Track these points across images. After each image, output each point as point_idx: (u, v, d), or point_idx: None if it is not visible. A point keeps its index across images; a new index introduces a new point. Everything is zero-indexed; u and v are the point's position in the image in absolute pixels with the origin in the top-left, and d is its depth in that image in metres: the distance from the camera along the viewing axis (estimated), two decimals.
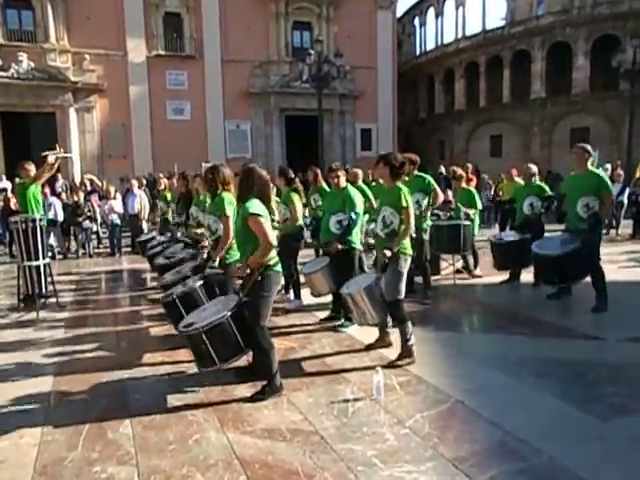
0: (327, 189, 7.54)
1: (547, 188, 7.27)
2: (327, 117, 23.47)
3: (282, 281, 4.24)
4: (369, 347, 5.01)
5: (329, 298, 6.03)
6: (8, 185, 16.81)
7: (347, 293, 4.75)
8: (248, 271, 3.86)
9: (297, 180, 6.75)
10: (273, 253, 3.98)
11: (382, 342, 5.01)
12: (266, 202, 4.01)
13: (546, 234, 6.97)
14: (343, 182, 5.73)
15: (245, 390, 4.15)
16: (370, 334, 5.15)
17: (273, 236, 3.87)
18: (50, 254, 9.97)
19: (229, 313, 3.89)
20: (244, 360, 4.38)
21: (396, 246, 4.49)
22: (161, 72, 21.99)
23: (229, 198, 4.76)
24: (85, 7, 20.48)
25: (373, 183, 9.00)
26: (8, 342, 5.64)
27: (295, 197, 6.50)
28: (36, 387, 4.38)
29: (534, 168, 7.37)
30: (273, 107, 23.74)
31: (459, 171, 8.28)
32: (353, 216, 5.50)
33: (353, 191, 5.73)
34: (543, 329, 5.46)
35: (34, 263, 6.76)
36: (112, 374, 4.60)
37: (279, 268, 4.03)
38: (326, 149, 21.76)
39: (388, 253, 4.47)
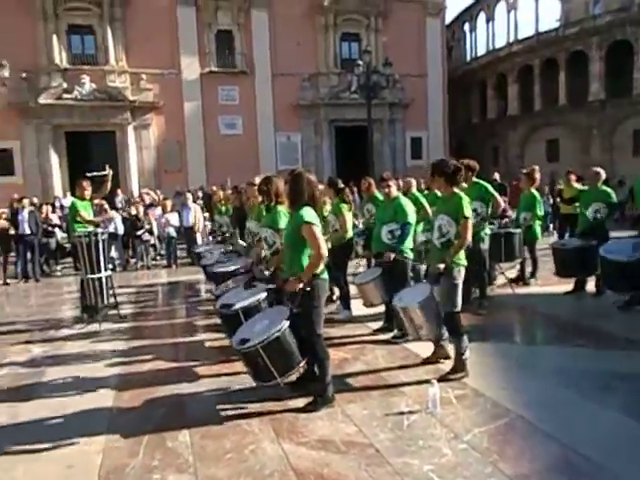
0: (381, 198, 7.54)
1: (613, 194, 6.95)
2: (377, 126, 23.42)
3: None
4: (425, 361, 4.93)
5: (381, 309, 5.99)
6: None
7: (401, 307, 4.68)
8: (301, 285, 3.87)
9: (346, 190, 6.78)
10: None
11: (438, 355, 4.92)
12: (317, 208, 4.02)
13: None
14: (394, 192, 5.71)
15: (299, 401, 4.18)
16: (426, 346, 5.08)
17: (325, 247, 3.89)
18: (111, 266, 10.41)
19: (286, 325, 3.91)
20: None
21: (450, 258, 4.40)
22: (214, 88, 22.62)
23: (284, 211, 4.81)
24: (142, 28, 21.37)
25: (426, 192, 8.90)
26: (73, 353, 5.91)
27: (344, 208, 6.52)
28: (99, 397, 4.55)
29: (602, 173, 7.04)
30: (323, 118, 23.93)
31: (533, 173, 7.86)
32: (406, 226, 5.47)
33: (404, 200, 5.70)
34: (607, 341, 5.22)
35: (97, 275, 7.07)
36: (170, 385, 4.73)
37: (326, 276, 4.05)
38: (376, 159, 21.72)
39: (442, 267, 4.38)
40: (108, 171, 7.46)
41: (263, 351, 3.83)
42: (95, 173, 7.46)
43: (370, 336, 5.85)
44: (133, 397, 4.51)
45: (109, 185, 7.60)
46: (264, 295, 4.87)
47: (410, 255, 5.61)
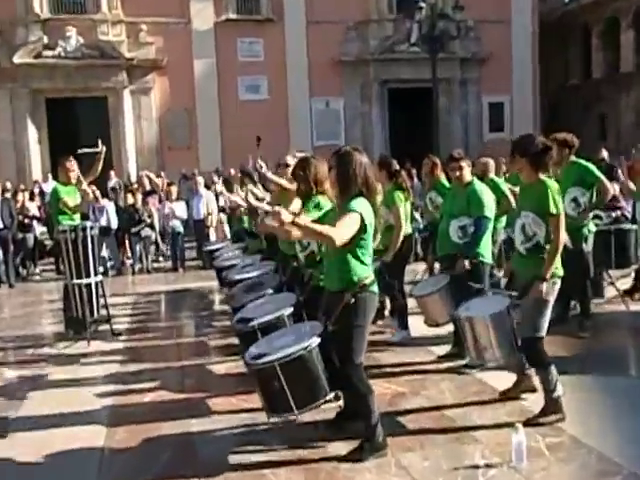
0: (447, 185, 7.49)
1: None
2: (444, 89, 23.25)
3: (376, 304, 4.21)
4: (505, 395, 4.88)
5: (449, 329, 5.96)
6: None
7: (466, 317, 4.66)
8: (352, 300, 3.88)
9: (403, 174, 6.76)
10: (368, 270, 3.99)
11: (522, 387, 4.86)
12: (372, 201, 3.96)
13: None
14: (468, 175, 5.67)
15: (341, 446, 4.19)
16: (506, 378, 5.02)
17: (340, 237, 3.74)
18: (102, 269, 10.67)
19: (315, 343, 3.93)
20: (330, 407, 4.42)
21: (547, 271, 4.28)
22: (232, 41, 22.88)
23: (326, 203, 4.76)
24: None
25: (505, 175, 8.80)
26: (55, 379, 6.07)
27: (400, 196, 6.50)
28: (87, 435, 4.66)
29: None
30: (372, 79, 23.90)
31: None
32: (482, 220, 5.42)
33: (480, 187, 5.66)
34: None
35: (84, 281, 7.25)
36: (175, 421, 4.81)
37: (376, 288, 4.03)
38: (443, 132, 21.57)
39: (543, 288, 4.22)
40: (101, 147, 7.64)
41: (281, 371, 3.87)
42: (86, 150, 7.65)
43: (434, 364, 5.83)
44: (129, 436, 4.60)
45: (100, 166, 7.80)
46: (289, 310, 4.91)
47: (488, 259, 5.55)
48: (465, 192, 5.61)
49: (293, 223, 3.61)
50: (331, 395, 4.00)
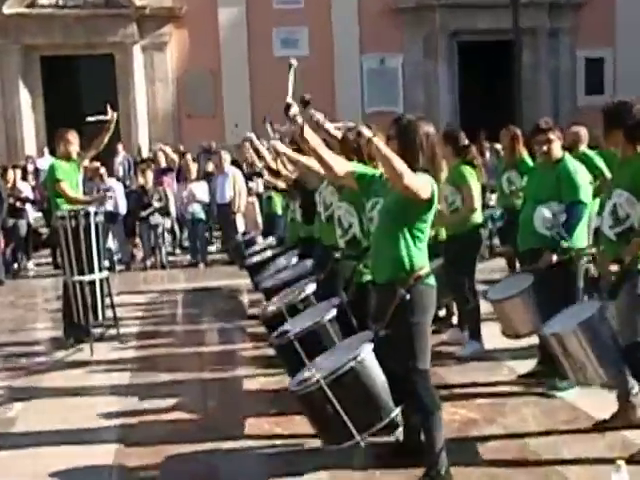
0: (530, 162, 7.40)
1: None
2: (528, 42, 22.90)
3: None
4: (602, 425, 4.83)
5: (532, 341, 5.91)
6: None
7: (551, 333, 4.62)
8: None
9: (473, 149, 6.73)
10: (424, 259, 4.03)
11: (624, 418, 4.80)
12: (437, 178, 4.03)
13: None
14: (558, 150, 5.60)
15: (395, 478, 4.21)
16: (604, 403, 4.96)
17: (412, 180, 3.80)
18: (108, 264, 10.86)
19: (367, 351, 3.96)
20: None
21: (629, 255, 4.30)
22: None
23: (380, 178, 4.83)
24: None
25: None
26: (54, 391, 6.22)
27: (470, 174, 6.49)
28: (92, 460, 4.76)
29: None
30: (438, 29, 23.72)
31: None
32: (576, 206, 5.36)
33: (574, 165, 5.58)
34: None
35: (87, 277, 7.39)
36: (197, 445, 4.88)
37: (433, 281, 4.08)
38: (526, 96, 21.22)
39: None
40: (111, 115, 7.78)
41: (331, 391, 3.90)
42: (95, 117, 7.77)
43: (514, 385, 5.79)
44: (142, 461, 4.70)
45: (107, 137, 7.93)
46: (332, 314, 4.92)
47: (584, 255, 5.48)
48: (555, 171, 5.54)
49: (369, 141, 3.80)
50: (397, 411, 4.02)
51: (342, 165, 4.34)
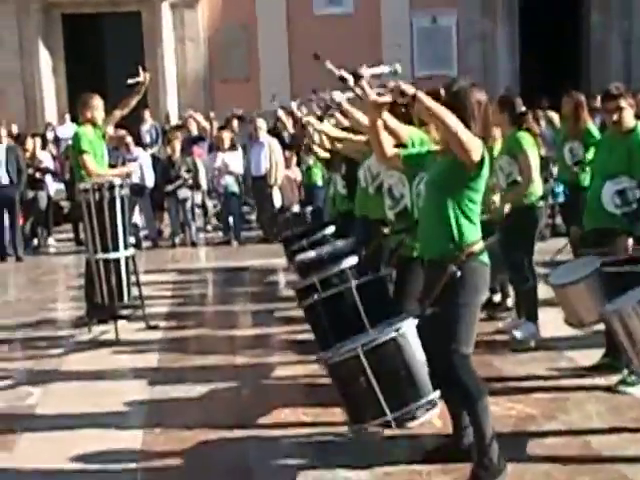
0: (596, 134, 7.31)
1: None
2: (596, 3, 22.52)
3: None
4: None
5: (598, 330, 5.85)
6: (72, 131, 18.61)
7: (613, 310, 4.57)
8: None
9: (530, 117, 6.71)
10: (478, 233, 4.04)
11: None
12: (489, 147, 4.11)
13: None
14: (630, 119, 5.52)
15: (440, 473, 4.23)
16: None
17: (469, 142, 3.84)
18: (134, 241, 10.97)
19: (411, 326, 4.01)
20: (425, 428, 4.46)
21: None
22: None
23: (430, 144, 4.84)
24: None
25: None
26: (77, 375, 6.35)
27: (529, 143, 6.46)
28: (118, 444, 4.87)
29: None
30: None
31: None
32: None
33: None
34: None
35: (111, 255, 7.46)
36: (226, 433, 4.96)
37: (487, 259, 4.08)
38: (594, 60, 20.97)
39: None
40: (144, 76, 7.86)
41: (367, 361, 3.93)
42: (136, 79, 7.80)
43: (576, 378, 5.75)
44: (170, 448, 4.79)
45: (136, 101, 8.01)
46: (352, 262, 5.11)
47: None
48: (626, 142, 5.47)
49: (414, 98, 3.79)
50: (435, 394, 4.05)
51: (390, 146, 4.39)
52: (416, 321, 4.05)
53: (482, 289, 4.09)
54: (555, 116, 11.72)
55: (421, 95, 3.79)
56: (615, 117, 5.55)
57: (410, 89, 3.80)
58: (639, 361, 4.56)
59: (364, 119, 5.14)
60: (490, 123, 4.10)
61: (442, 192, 4.01)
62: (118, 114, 8.01)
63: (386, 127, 4.38)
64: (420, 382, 3.99)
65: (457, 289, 3.95)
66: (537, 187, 6.59)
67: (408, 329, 4.01)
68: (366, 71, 4.95)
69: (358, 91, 4.59)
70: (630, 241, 5.32)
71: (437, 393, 4.06)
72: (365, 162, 6.03)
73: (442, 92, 4.23)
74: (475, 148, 3.85)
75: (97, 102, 7.79)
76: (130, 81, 7.86)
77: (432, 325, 4.02)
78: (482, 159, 3.91)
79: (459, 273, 3.92)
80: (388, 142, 4.37)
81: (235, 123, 15.69)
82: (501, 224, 6.50)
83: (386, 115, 4.34)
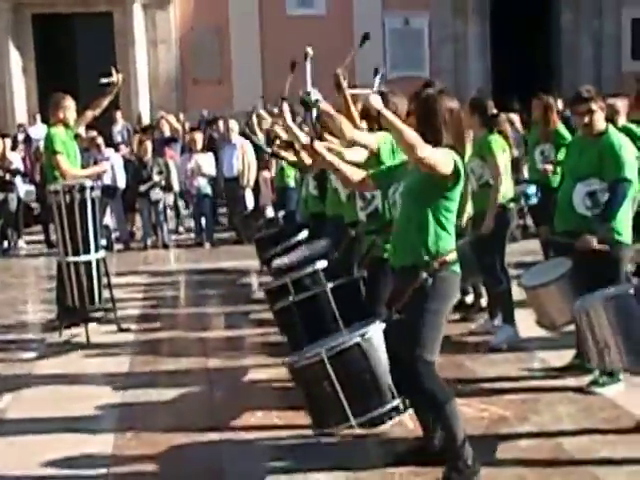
0: (566, 135, 7.38)
1: None
2: (568, 1, 22.71)
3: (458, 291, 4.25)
4: None
5: (569, 331, 5.88)
6: (43, 132, 18.50)
7: (579, 307, 4.61)
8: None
9: (502, 119, 6.74)
10: (452, 242, 4.04)
11: None
12: (462, 155, 4.06)
13: None
14: (601, 122, 5.56)
15: (412, 475, 4.22)
16: None
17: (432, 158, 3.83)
18: (106, 243, 10.91)
19: (377, 330, 4.00)
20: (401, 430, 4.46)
21: None
22: None
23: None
24: None
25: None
26: (46, 379, 6.28)
27: (498, 147, 6.50)
28: (89, 448, 4.83)
29: None
30: None
31: None
32: (620, 185, 5.32)
33: (619, 139, 5.54)
34: None
35: (82, 258, 7.39)
36: (199, 436, 4.94)
37: (458, 269, 4.09)
38: (565, 60, 21.13)
39: None
40: (117, 77, 7.80)
41: (332, 366, 3.93)
42: (108, 79, 7.76)
43: (548, 379, 5.79)
44: (141, 452, 4.76)
45: (108, 101, 7.95)
46: (324, 264, 5.15)
47: (627, 239, 5.45)
48: (596, 145, 5.49)
49: (378, 113, 3.86)
50: (398, 401, 4.03)
51: (357, 172, 4.36)
52: (383, 325, 4.04)
53: (451, 298, 4.10)
54: (516, 118, 11.91)
55: (385, 113, 3.83)
56: (586, 120, 5.57)
57: (376, 105, 3.85)
58: (596, 355, 4.60)
59: (344, 122, 5.16)
60: (462, 131, 4.08)
61: (418, 202, 4.01)
62: (90, 115, 7.94)
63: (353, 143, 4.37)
64: (384, 388, 3.98)
65: (426, 296, 3.96)
66: (508, 189, 6.64)
67: (374, 334, 4.00)
68: (309, 87, 5.03)
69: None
70: (595, 240, 5.35)
71: (400, 400, 4.04)
72: None
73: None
74: (443, 162, 3.85)
75: (69, 103, 7.72)
76: (103, 80, 7.81)
77: (398, 330, 4.02)
78: (456, 169, 3.91)
79: (430, 281, 3.93)
80: (350, 170, 4.34)
81: (221, 124, 15.52)
82: (473, 226, 6.54)
83: (351, 131, 4.48)
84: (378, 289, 4.93)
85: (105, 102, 7.92)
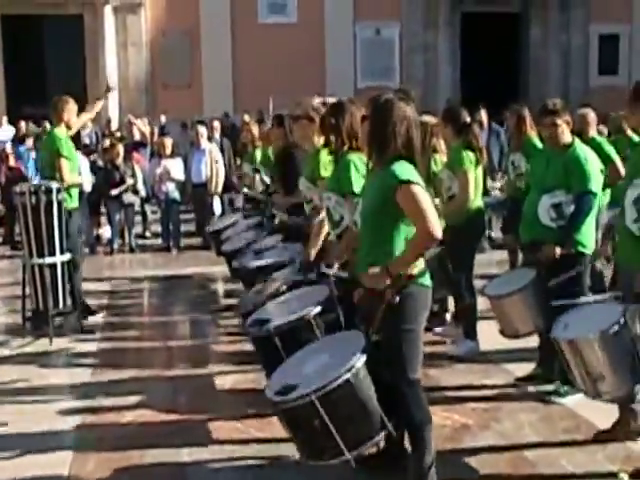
0: (538, 145, 7.45)
1: None
2: (537, 15, 22.91)
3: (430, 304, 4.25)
4: (603, 435, 4.87)
5: (532, 341, 5.95)
6: (9, 134, 18.32)
7: (567, 340, 4.62)
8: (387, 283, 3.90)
9: (475, 129, 6.79)
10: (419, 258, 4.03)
11: (626, 427, 4.84)
12: (419, 165, 4.05)
13: None
14: (566, 135, 5.61)
15: None
16: (606, 411, 4.98)
17: (437, 221, 3.90)
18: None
19: (361, 362, 3.90)
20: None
21: None
22: None
23: (359, 163, 4.88)
24: None
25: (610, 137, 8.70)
26: (7, 388, 6.20)
27: (469, 158, 6.53)
28: (45, 470, 4.72)
29: None
30: None
31: None
32: (585, 197, 5.38)
33: (584, 151, 5.60)
34: None
35: (47, 260, 7.37)
36: (162, 451, 4.89)
37: (428, 281, 4.09)
38: (533, 73, 21.33)
39: None
40: (110, 85, 8.21)
41: (322, 406, 3.84)
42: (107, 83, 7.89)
43: (510, 388, 5.84)
44: (102, 466, 4.70)
45: (98, 109, 8.21)
46: (317, 310, 4.91)
47: (589, 250, 5.52)
48: (562, 158, 5.54)
49: (389, 274, 3.84)
50: (389, 426, 3.99)
51: (431, 224, 3.94)
52: (365, 356, 3.92)
53: (423, 312, 4.07)
54: (484, 118, 12.07)
55: (392, 270, 3.86)
56: (552, 131, 5.63)
57: (374, 281, 3.91)
58: (586, 384, 4.52)
59: None
60: (413, 139, 4.02)
61: (377, 216, 4.01)
62: (85, 118, 8.05)
63: None
64: (376, 417, 3.93)
65: (397, 316, 3.94)
66: (478, 202, 6.67)
67: (360, 365, 3.88)
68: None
69: None
70: (557, 250, 5.40)
71: (391, 425, 3.98)
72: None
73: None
74: (428, 202, 3.92)
75: (73, 106, 7.79)
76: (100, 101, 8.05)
77: (378, 352, 3.99)
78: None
79: (398, 299, 3.91)
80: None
81: (216, 124, 15.37)
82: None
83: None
84: (355, 310, 4.87)
85: (99, 106, 8.15)
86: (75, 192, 7.88)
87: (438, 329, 7.11)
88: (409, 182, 3.88)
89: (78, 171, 8.10)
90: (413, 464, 4.07)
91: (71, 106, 7.74)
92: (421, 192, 3.90)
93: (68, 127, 7.74)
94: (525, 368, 6.05)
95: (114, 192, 12.65)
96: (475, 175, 6.60)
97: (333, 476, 4.41)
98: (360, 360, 3.91)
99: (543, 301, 5.45)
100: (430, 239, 3.87)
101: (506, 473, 4.48)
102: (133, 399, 5.82)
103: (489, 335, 6.38)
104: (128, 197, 12.82)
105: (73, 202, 7.79)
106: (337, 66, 23.20)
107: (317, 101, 6.47)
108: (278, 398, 3.98)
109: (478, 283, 6.93)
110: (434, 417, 4.15)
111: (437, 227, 3.86)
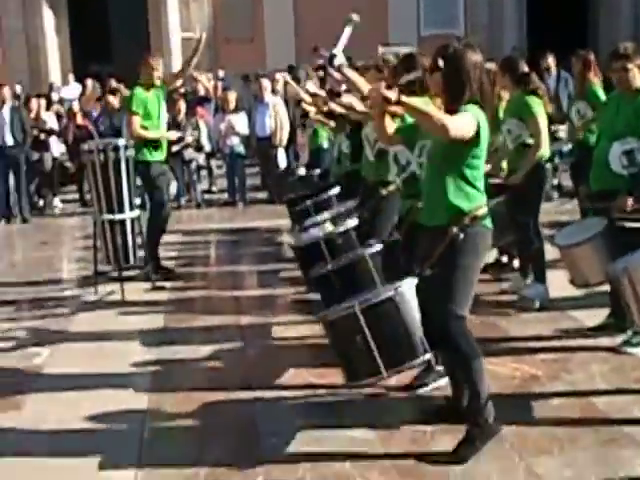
0: (599, 94, 7.30)
1: None
2: None
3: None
4: None
5: (604, 290, 5.86)
6: (76, 92, 18.49)
7: (620, 269, 4.56)
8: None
9: (534, 78, 6.68)
10: (482, 198, 4.07)
11: None
12: (487, 112, 4.07)
13: None
14: (638, 80, 5.47)
15: (442, 433, 4.26)
16: None
17: (457, 130, 3.84)
18: (140, 202, 10.96)
19: (410, 285, 4.04)
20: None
21: None
22: None
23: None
24: None
25: None
26: (84, 334, 6.42)
27: (537, 107, 6.45)
28: (125, 405, 4.94)
29: None
30: None
31: None
32: None
33: None
34: None
35: (117, 216, 7.52)
36: (233, 394, 5.03)
37: (490, 223, 4.11)
38: (603, 14, 20.71)
39: None
40: (200, 33, 8.09)
41: (364, 318, 3.98)
42: (189, 34, 7.93)
43: (581, 339, 5.76)
44: (176, 410, 4.86)
45: (195, 61, 8.23)
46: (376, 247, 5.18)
47: None
48: (633, 103, 5.42)
49: (398, 102, 3.82)
50: (429, 355, 4.12)
51: (455, 122, 4.01)
52: (415, 281, 4.08)
53: (482, 253, 4.13)
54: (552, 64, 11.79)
55: (404, 99, 3.83)
56: (623, 75, 5.49)
57: (393, 95, 3.82)
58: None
59: (364, 86, 5.20)
60: (487, 85, 4.10)
61: (443, 167, 4.05)
62: (180, 77, 8.40)
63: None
64: (416, 341, 4.03)
65: (458, 252, 3.99)
66: (545, 149, 6.58)
67: (407, 288, 4.05)
68: (338, 50, 5.07)
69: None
70: (630, 201, 5.30)
71: (432, 354, 4.15)
72: (365, 128, 6.05)
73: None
74: (467, 128, 3.87)
75: (155, 62, 7.90)
76: (184, 35, 8.01)
77: (430, 286, 4.06)
78: (478, 129, 3.92)
79: (461, 236, 3.96)
80: (390, 123, 4.37)
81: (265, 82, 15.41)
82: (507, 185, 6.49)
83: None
84: (415, 252, 4.93)
85: (193, 60, 8.20)
86: (156, 146, 7.93)
87: (506, 284, 7.06)
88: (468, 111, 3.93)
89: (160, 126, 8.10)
90: (469, 399, 4.11)
91: (150, 62, 7.82)
92: (469, 118, 3.90)
93: (150, 84, 7.81)
94: (595, 317, 5.96)
95: (175, 148, 12.72)
96: (543, 123, 6.50)
97: (402, 416, 4.46)
98: (407, 282, 4.09)
99: (614, 250, 5.36)
100: (442, 128, 3.79)
101: (574, 421, 4.44)
102: (205, 347, 5.95)
103: (558, 284, 6.34)
104: (189, 153, 12.95)
105: (153, 156, 7.89)
106: (400, 14, 22.89)
107: (381, 51, 6.42)
108: (326, 312, 4.22)
109: (546, 231, 6.86)
110: (503, 368, 4.18)
111: (453, 129, 3.79)
